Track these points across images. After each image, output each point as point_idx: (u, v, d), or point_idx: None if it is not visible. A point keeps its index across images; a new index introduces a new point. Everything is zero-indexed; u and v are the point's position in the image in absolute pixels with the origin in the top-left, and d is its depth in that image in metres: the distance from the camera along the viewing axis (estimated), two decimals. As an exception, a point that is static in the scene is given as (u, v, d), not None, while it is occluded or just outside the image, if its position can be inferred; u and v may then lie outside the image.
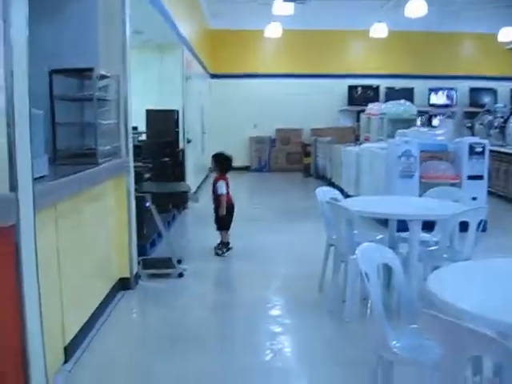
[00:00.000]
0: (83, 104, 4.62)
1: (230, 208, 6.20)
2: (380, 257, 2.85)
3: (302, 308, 4.55)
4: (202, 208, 7.77)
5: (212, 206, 6.28)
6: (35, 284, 2.74)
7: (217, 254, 6.09)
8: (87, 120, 4.51)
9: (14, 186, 2.50)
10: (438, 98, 14.62)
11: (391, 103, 10.10)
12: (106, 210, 4.63)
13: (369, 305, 4.29)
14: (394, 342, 2.56)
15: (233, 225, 6.26)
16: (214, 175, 6.48)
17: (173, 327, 4.24)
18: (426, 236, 4.52)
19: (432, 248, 4.35)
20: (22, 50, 2.59)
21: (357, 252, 2.68)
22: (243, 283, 5.54)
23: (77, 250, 3.80)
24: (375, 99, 13.37)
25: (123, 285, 4.88)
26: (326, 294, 4.63)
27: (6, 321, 2.55)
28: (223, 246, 6.15)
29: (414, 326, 2.71)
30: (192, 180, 9.65)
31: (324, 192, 4.75)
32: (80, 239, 3.89)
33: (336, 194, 4.83)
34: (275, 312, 4.56)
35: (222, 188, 6.06)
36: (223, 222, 6.17)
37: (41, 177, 3.16)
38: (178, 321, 4.38)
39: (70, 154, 4.33)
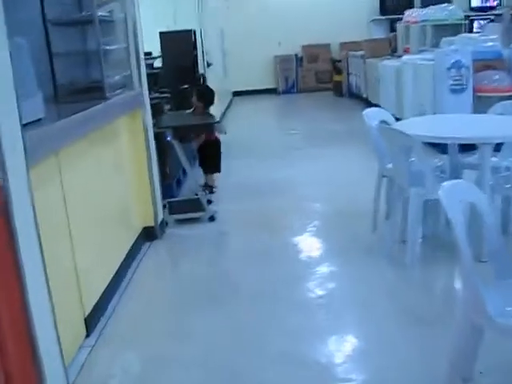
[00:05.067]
0: (85, 29, 3.95)
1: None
2: (467, 196, 2.23)
3: (355, 252, 3.92)
4: (229, 138, 7.13)
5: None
6: (37, 253, 2.19)
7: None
8: (90, 48, 3.86)
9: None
10: (481, 0, 13.33)
11: (433, 8, 9.06)
12: (121, 152, 4.03)
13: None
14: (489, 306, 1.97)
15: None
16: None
17: (205, 281, 3.70)
18: (494, 160, 3.81)
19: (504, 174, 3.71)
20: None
21: (440, 192, 2.06)
22: (284, 224, 4.79)
23: (89, 203, 3.23)
24: (409, 6, 12.19)
25: (148, 235, 4.34)
26: (381, 234, 4.03)
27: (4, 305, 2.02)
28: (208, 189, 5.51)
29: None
30: (216, 107, 8.94)
31: (372, 114, 4.06)
32: (92, 189, 3.31)
33: (387, 115, 4.12)
34: (322, 257, 3.98)
35: None
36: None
37: (36, 120, 2.60)
38: (212, 274, 3.84)
39: (73, 90, 3.70)
